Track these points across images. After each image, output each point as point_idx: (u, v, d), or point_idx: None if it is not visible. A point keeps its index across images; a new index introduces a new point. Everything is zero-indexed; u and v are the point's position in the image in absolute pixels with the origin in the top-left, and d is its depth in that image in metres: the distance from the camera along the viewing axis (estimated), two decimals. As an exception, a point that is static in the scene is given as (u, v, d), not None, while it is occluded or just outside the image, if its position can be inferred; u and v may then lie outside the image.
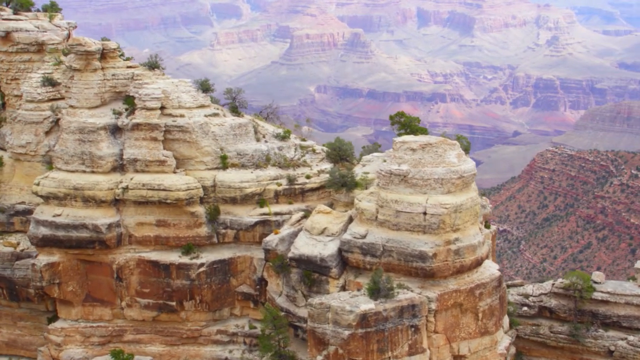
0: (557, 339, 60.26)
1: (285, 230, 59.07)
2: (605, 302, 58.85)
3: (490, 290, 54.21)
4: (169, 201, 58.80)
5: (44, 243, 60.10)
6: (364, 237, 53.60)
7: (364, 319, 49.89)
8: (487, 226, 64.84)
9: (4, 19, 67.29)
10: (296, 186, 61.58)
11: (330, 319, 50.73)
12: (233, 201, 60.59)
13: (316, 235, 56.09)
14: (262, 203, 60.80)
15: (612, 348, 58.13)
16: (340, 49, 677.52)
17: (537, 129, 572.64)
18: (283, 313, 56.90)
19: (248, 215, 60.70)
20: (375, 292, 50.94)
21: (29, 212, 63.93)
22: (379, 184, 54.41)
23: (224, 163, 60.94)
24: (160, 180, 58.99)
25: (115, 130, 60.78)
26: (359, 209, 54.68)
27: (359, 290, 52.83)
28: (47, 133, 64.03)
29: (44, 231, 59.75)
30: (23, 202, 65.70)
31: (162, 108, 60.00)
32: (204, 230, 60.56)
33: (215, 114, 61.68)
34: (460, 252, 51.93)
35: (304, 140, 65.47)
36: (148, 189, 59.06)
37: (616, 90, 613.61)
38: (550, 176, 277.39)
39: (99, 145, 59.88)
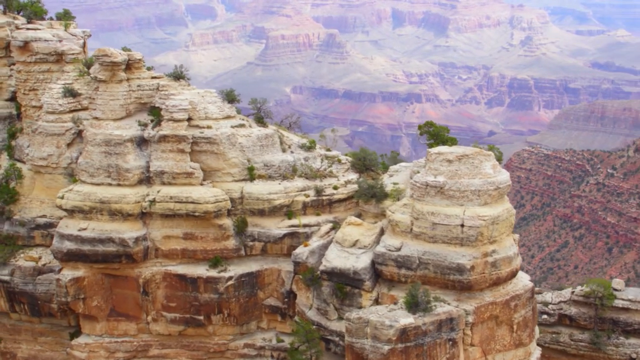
0: (577, 346, 60.48)
1: (315, 243, 58.39)
2: (626, 309, 59.16)
3: (524, 301, 53.94)
4: (197, 214, 57.83)
5: (68, 257, 58.89)
6: (398, 249, 52.97)
7: (403, 333, 49.19)
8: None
9: (20, 28, 65.70)
10: (324, 197, 60.77)
11: (369, 333, 49.95)
12: (261, 213, 59.71)
13: (348, 248, 55.44)
14: (289, 215, 60.03)
15: (634, 356, 58.47)
16: (315, 50, 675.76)
17: (512, 129, 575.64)
18: (314, 326, 56.06)
19: (276, 227, 59.84)
20: (413, 306, 50.27)
21: (51, 225, 62.68)
22: (413, 196, 53.81)
23: (251, 174, 60.06)
24: (188, 193, 58.07)
25: (142, 142, 59.68)
26: (393, 221, 54.03)
27: (395, 303, 52.18)
28: (69, 145, 62.55)
29: (68, 245, 58.52)
30: (44, 216, 63.95)
31: (189, 119, 59.05)
32: (231, 242, 59.64)
33: (242, 125, 60.82)
34: (497, 264, 51.65)
35: (328, 150, 64.76)
36: (176, 202, 58.06)
37: (589, 90, 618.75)
38: (526, 175, 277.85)
39: (125, 157, 58.76)
